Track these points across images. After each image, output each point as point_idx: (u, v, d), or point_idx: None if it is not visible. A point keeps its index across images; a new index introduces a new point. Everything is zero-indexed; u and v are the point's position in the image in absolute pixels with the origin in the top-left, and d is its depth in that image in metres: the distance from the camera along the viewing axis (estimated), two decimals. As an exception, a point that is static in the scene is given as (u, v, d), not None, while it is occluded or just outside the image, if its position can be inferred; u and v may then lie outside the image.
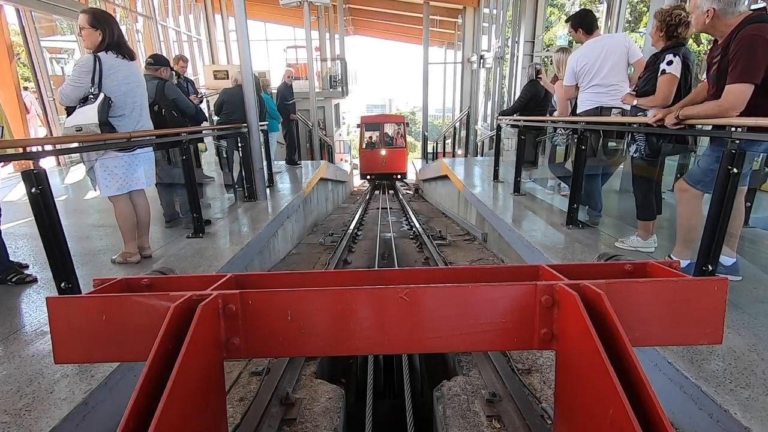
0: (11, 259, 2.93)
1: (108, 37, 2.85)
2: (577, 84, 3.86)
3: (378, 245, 6.08)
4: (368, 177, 17.56)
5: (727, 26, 2.28)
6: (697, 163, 2.69)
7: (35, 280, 2.86)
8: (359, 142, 17.59)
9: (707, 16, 2.31)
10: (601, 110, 3.69)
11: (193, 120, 4.43)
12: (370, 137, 17.74)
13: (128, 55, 2.99)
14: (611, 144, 3.85)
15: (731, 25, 2.26)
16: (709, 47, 2.61)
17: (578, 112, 3.92)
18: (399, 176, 17.49)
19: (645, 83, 3.13)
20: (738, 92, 2.19)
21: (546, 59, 9.91)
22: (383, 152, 16.91)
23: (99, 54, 2.83)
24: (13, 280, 2.83)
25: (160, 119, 4.10)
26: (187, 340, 0.69)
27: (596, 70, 3.66)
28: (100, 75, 2.81)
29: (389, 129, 17.62)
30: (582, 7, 18.36)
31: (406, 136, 17.80)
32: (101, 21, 2.84)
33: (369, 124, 17.54)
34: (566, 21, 3.94)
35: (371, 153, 17.09)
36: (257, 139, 5.42)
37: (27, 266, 3.06)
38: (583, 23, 3.75)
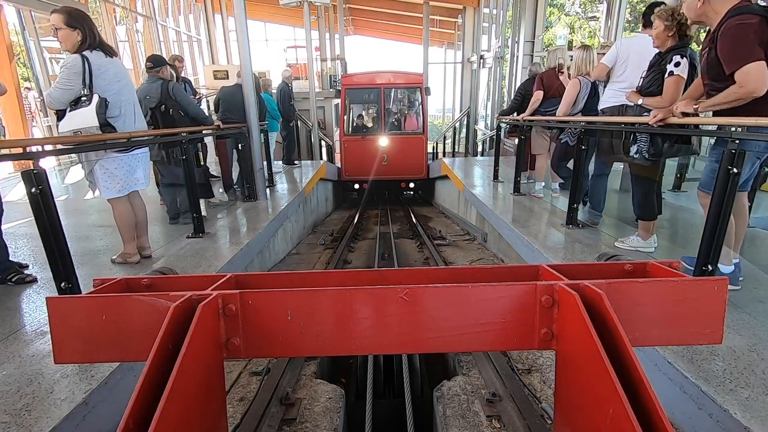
0: (11, 259, 2.93)
1: (89, 37, 2.75)
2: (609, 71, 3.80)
3: (378, 245, 6.09)
4: (356, 186, 10.32)
5: (715, 13, 2.28)
6: (705, 169, 2.67)
7: (35, 280, 2.86)
8: (340, 124, 10.27)
9: (700, 1, 2.30)
10: (626, 109, 3.65)
11: (195, 120, 4.43)
12: (360, 116, 10.70)
13: (111, 52, 2.89)
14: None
15: (719, 13, 2.25)
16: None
17: (601, 107, 3.88)
18: (411, 185, 10.61)
19: (650, 83, 3.10)
20: (754, 72, 2.12)
21: (545, 59, 9.91)
22: (383, 142, 9.77)
23: (85, 54, 2.73)
24: (13, 280, 2.82)
25: (168, 119, 4.12)
26: (187, 340, 0.69)
27: (628, 66, 3.60)
28: (90, 75, 2.72)
29: (395, 99, 10.65)
30: (582, 6, 18.38)
31: (426, 111, 10.15)
32: (79, 20, 2.72)
33: (357, 89, 10.08)
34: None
35: (361, 144, 9.82)
36: (257, 139, 5.43)
37: (27, 266, 3.06)
38: (648, 13, 3.59)
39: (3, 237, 2.83)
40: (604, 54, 4.89)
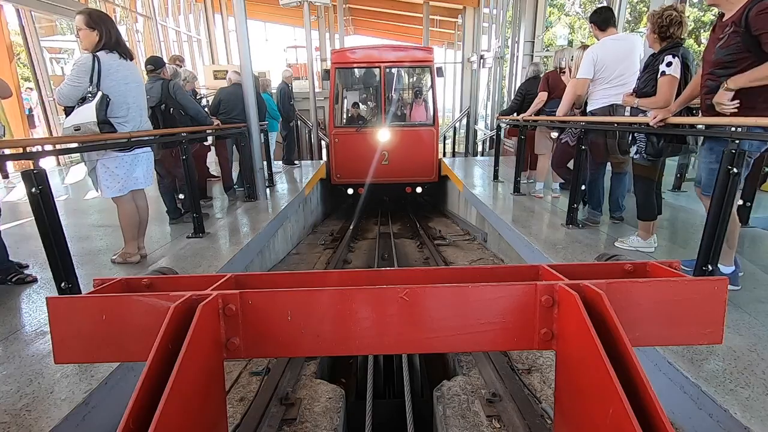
0: (11, 259, 2.93)
1: (105, 37, 2.85)
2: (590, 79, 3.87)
3: (378, 245, 6.09)
4: (350, 192, 8.30)
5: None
6: (701, 170, 2.66)
7: (35, 280, 2.87)
8: (329, 113, 8.22)
9: None
10: (615, 108, 3.68)
11: (194, 119, 4.44)
12: (355, 103, 8.87)
13: (127, 55, 2.99)
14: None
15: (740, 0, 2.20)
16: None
17: (590, 109, 3.91)
18: (418, 190, 8.32)
19: (644, 84, 3.14)
20: None
21: (545, 59, 9.92)
22: (383, 136, 7.83)
23: (98, 54, 2.83)
24: (13, 280, 2.83)
25: (168, 118, 4.15)
26: (187, 340, 0.69)
27: (613, 68, 3.66)
28: (98, 75, 2.80)
29: (399, 81, 8.58)
30: (582, 6, 18.38)
31: (437, 97, 8.23)
32: (97, 21, 2.84)
33: (351, 68, 8.38)
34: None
35: (355, 138, 7.94)
36: (257, 139, 5.43)
37: (27, 266, 3.06)
38: (598, 19, 3.79)
39: (2, 237, 2.84)
40: None
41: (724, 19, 2.32)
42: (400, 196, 8.57)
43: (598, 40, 3.84)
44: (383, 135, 7.90)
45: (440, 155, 9.20)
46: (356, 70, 8.53)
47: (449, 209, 8.05)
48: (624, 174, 4.01)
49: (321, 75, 7.99)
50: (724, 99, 2.29)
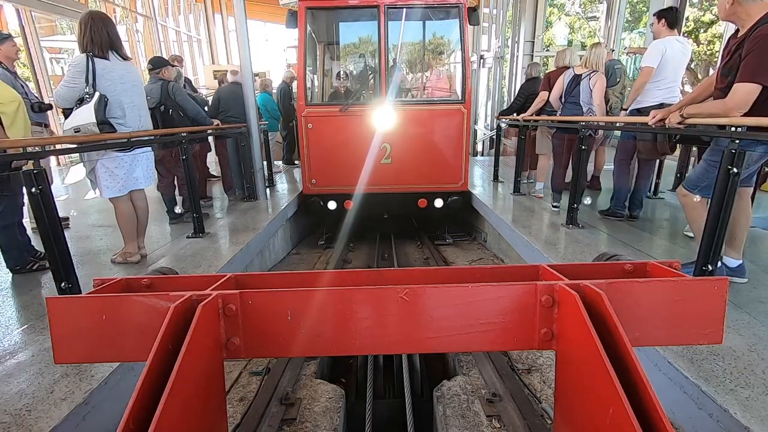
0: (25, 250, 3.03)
1: (95, 37, 2.84)
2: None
3: (378, 245, 6.07)
4: (332, 206, 5.34)
5: (747, 15, 2.22)
6: (694, 168, 2.69)
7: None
8: (299, 85, 5.14)
9: (728, 1, 2.25)
10: (662, 106, 3.74)
11: (194, 120, 4.44)
12: (341, 73, 6.12)
13: (122, 55, 2.98)
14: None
15: (752, 16, 2.20)
16: (713, 44, 2.57)
17: (640, 106, 3.90)
18: (438, 204, 5.29)
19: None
20: (745, 92, 2.15)
21: (545, 59, 9.92)
22: (384, 120, 4.87)
23: (93, 53, 2.82)
24: (34, 268, 2.97)
25: (167, 119, 4.16)
26: (187, 340, 0.69)
27: (672, 65, 3.70)
28: (93, 75, 2.80)
29: (410, 28, 5.44)
30: (582, 6, 18.39)
31: (469, 58, 4.97)
32: (88, 22, 2.84)
33: (331, 9, 5.07)
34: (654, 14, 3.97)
35: (339, 124, 4.97)
36: (257, 139, 5.42)
37: (41, 254, 3.09)
38: (669, 16, 3.78)
39: (25, 229, 3.01)
40: (614, 50, 5.05)
41: (738, 35, 2.31)
42: (408, 213, 5.71)
43: (657, 37, 3.82)
44: (383, 118, 4.98)
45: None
46: (339, 13, 5.33)
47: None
48: (651, 172, 4.10)
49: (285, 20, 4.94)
50: (673, 121, 2.56)
